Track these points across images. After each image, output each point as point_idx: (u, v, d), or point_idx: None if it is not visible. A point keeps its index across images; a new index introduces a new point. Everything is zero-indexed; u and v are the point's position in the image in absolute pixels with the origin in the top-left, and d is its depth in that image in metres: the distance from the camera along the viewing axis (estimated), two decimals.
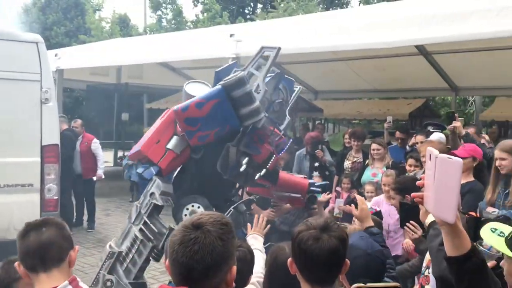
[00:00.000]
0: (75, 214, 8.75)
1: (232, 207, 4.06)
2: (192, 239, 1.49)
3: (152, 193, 3.86)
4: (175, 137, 3.97)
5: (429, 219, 2.02)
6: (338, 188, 6.66)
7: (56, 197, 5.87)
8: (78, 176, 8.50)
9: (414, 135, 6.59)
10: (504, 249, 1.84)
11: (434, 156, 1.52)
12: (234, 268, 1.55)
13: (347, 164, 6.85)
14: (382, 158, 6.15)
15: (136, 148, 4.08)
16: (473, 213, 3.55)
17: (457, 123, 4.94)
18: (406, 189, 3.81)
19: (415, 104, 11.55)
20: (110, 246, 3.92)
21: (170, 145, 3.94)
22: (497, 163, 4.05)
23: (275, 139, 4.32)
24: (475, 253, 1.56)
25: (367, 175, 6.13)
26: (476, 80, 9.81)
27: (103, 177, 8.79)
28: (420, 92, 11.58)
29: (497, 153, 4.09)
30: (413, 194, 1.69)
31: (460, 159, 1.47)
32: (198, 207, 3.96)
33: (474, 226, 2.96)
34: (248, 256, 2.30)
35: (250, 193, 4.84)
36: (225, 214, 4.03)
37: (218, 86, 3.78)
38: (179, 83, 14.80)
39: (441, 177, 1.49)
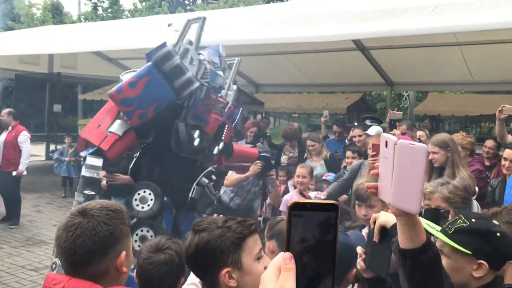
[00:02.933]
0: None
1: (195, 184, 4.17)
2: (75, 224, 1.50)
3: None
4: (117, 121, 4.06)
5: (387, 219, 1.76)
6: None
7: None
8: None
9: (352, 129, 6.69)
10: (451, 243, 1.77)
11: (392, 142, 1.37)
12: (124, 253, 1.53)
13: (283, 158, 6.99)
14: (319, 152, 6.29)
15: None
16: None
17: (397, 131, 5.45)
18: None
19: (353, 99, 11.79)
20: None
21: (111, 128, 4.02)
22: (430, 156, 4.17)
23: (223, 109, 4.42)
24: (430, 246, 1.49)
25: None
26: (411, 75, 10.17)
27: (25, 173, 8.09)
28: (357, 86, 11.83)
29: (429, 147, 4.20)
30: (366, 184, 1.59)
31: (425, 145, 1.36)
32: (149, 194, 4.03)
33: (432, 219, 2.42)
34: (176, 259, 2.17)
35: None
36: (190, 192, 4.17)
37: (148, 63, 3.88)
38: (115, 73, 14.32)
39: (403, 164, 1.35)
